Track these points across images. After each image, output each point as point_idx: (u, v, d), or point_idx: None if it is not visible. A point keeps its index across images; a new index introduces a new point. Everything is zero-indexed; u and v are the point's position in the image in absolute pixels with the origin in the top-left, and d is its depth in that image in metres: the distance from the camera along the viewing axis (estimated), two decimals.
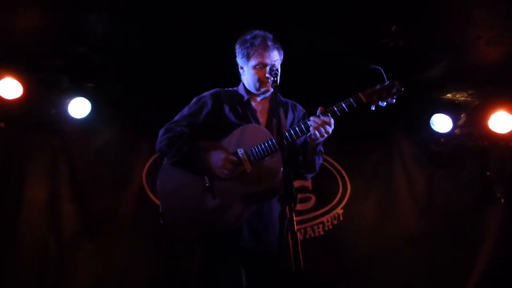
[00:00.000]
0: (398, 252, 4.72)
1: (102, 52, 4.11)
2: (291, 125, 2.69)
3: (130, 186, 4.67)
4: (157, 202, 3.07)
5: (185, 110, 2.71)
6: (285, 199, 1.75)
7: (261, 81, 2.62)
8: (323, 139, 2.42)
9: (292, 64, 2.82)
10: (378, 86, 2.39)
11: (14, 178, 4.47)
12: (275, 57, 2.61)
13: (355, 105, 2.39)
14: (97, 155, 4.69)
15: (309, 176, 2.73)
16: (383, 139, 5.15)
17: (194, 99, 2.75)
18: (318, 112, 2.42)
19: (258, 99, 2.76)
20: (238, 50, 2.72)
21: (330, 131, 2.39)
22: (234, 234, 2.47)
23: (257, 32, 2.66)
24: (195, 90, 2.86)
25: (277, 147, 2.40)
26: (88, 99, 4.50)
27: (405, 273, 4.59)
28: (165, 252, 4.41)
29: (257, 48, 2.60)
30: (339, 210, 4.88)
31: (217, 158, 2.47)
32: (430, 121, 4.88)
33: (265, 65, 2.58)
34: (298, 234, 1.69)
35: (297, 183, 4.62)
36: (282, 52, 2.68)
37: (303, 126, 2.43)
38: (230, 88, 2.82)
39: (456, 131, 4.94)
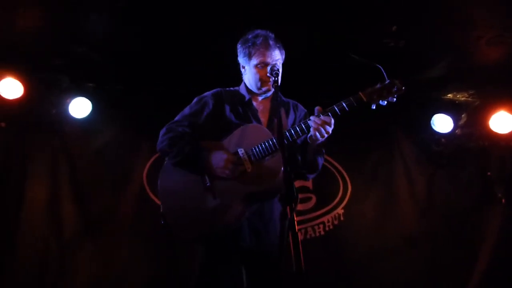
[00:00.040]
0: (398, 252, 4.71)
1: (102, 52, 4.11)
2: (292, 125, 2.68)
3: (130, 186, 4.67)
4: (158, 202, 3.08)
5: (186, 110, 2.70)
6: (286, 199, 1.74)
7: (263, 80, 2.61)
8: (323, 139, 2.41)
9: (292, 64, 2.82)
10: (378, 85, 2.39)
11: (15, 178, 4.47)
12: (277, 56, 2.61)
13: (355, 104, 2.39)
14: (98, 155, 4.69)
15: (311, 176, 2.73)
16: (384, 138, 5.14)
17: (195, 99, 2.74)
18: (315, 112, 2.42)
19: (260, 98, 2.75)
20: (239, 49, 2.72)
21: (330, 131, 2.39)
22: (235, 234, 2.47)
23: (258, 31, 2.66)
24: (195, 90, 2.86)
25: (278, 147, 2.40)
26: (88, 99, 4.50)
27: (405, 273, 4.59)
28: (165, 252, 4.41)
29: (258, 47, 2.60)
30: (339, 210, 4.88)
31: (218, 158, 2.46)
32: (431, 121, 4.88)
33: (266, 64, 2.58)
34: (299, 234, 1.68)
35: (297, 183, 4.61)
36: (283, 51, 2.68)
37: (303, 126, 2.43)
38: (231, 88, 2.82)
39: (456, 131, 4.94)
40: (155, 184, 2.67)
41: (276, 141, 2.41)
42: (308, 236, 4.75)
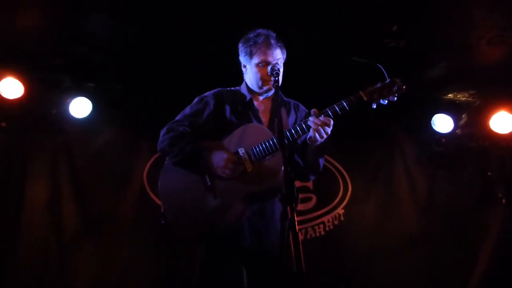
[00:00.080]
0: (398, 252, 4.71)
1: (102, 52, 4.11)
2: (293, 125, 2.68)
3: (130, 186, 4.67)
4: (158, 202, 3.07)
5: (187, 110, 2.70)
6: (286, 199, 1.74)
7: (264, 79, 2.61)
8: (322, 140, 2.41)
9: (292, 64, 2.82)
10: (379, 84, 2.39)
11: (15, 178, 4.47)
12: (278, 56, 2.61)
13: (356, 103, 2.38)
14: (98, 155, 4.69)
15: (312, 177, 2.73)
16: (384, 139, 5.15)
17: (196, 99, 2.74)
18: (311, 114, 2.41)
19: (261, 98, 2.75)
20: (241, 48, 2.71)
21: (329, 132, 2.39)
22: (235, 234, 2.47)
23: (260, 30, 2.66)
24: (195, 90, 2.86)
25: (278, 147, 2.39)
26: (88, 99, 4.49)
27: (406, 273, 4.59)
28: (165, 252, 4.41)
29: (260, 46, 2.59)
30: (340, 210, 4.87)
31: (219, 158, 2.46)
32: (431, 121, 4.87)
33: (267, 63, 2.57)
34: (299, 234, 1.68)
35: (298, 183, 4.59)
36: (285, 51, 2.68)
37: (303, 125, 2.42)
38: (232, 88, 2.81)
39: (457, 131, 4.93)
40: (155, 184, 2.66)
41: (276, 141, 2.41)
42: (308, 236, 4.75)
